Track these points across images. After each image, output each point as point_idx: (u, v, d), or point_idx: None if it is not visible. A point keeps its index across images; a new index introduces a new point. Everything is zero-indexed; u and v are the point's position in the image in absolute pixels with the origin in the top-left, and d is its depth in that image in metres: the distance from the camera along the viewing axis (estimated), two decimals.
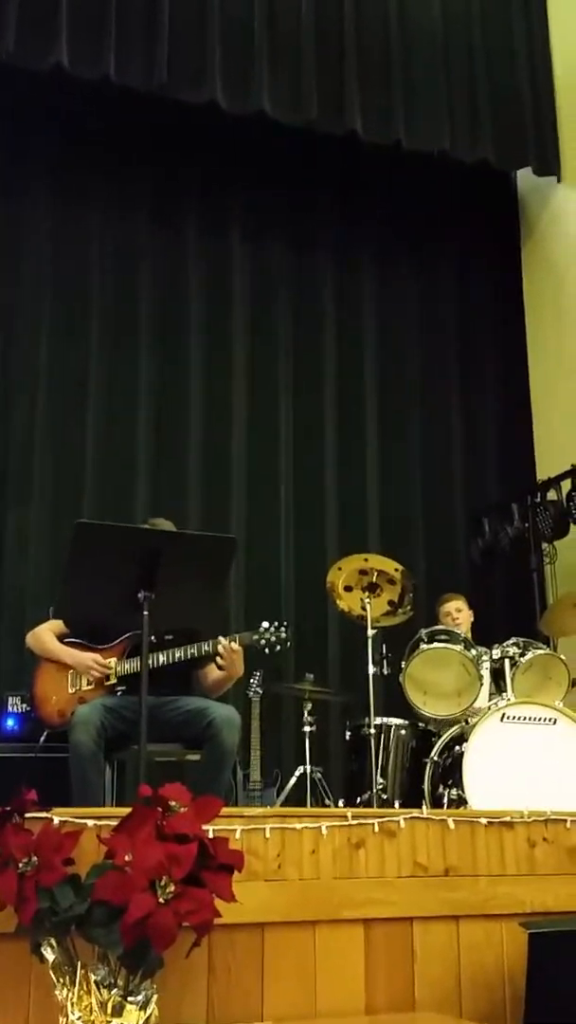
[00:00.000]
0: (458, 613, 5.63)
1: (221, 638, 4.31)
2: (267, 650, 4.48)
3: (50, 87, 6.51)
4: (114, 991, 2.40)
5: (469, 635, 5.35)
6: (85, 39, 6.12)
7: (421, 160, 7.27)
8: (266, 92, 6.57)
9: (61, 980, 2.44)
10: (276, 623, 4.50)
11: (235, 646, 4.30)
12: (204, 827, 2.52)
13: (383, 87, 6.97)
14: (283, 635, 4.48)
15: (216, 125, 6.92)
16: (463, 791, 4.40)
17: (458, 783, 4.47)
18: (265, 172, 7.35)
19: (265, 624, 4.50)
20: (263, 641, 4.47)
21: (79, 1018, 2.39)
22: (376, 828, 3.06)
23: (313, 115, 6.68)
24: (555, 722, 4.57)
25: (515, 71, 7.48)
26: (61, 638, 4.45)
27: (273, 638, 4.47)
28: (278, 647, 4.49)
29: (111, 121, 6.95)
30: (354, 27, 6.94)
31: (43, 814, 2.68)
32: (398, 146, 6.95)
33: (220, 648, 4.28)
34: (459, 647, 5.02)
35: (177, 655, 4.28)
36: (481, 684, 4.95)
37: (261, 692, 5.93)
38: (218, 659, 4.34)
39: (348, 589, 5.39)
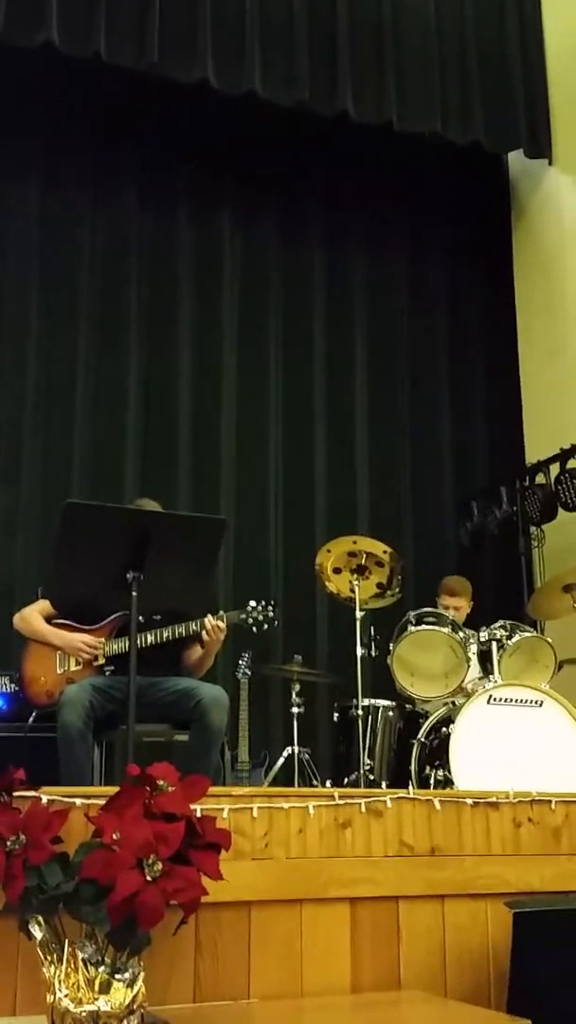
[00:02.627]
0: (456, 611, 5.55)
1: (208, 616, 4.32)
2: (254, 628, 4.51)
3: (40, 67, 6.46)
4: (101, 968, 2.41)
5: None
6: (76, 17, 6.07)
7: (412, 142, 7.25)
8: (258, 72, 6.53)
9: (48, 958, 2.45)
10: (263, 602, 4.53)
11: (221, 624, 4.32)
12: (192, 806, 2.53)
13: (375, 68, 6.94)
14: (270, 614, 4.50)
15: (207, 107, 6.89)
16: (449, 772, 4.43)
17: (445, 764, 4.50)
18: (255, 154, 7.32)
19: (252, 603, 4.52)
20: (250, 620, 4.49)
21: (66, 995, 2.40)
22: (363, 808, 3.07)
23: (305, 95, 6.65)
24: (541, 704, 4.59)
25: (507, 53, 7.46)
26: (49, 619, 4.45)
27: (260, 616, 4.49)
28: (265, 625, 4.52)
29: (100, 103, 6.91)
30: (347, 7, 6.91)
31: (31, 792, 2.69)
32: (390, 127, 6.93)
33: (207, 625, 4.30)
34: (447, 629, 5.03)
35: (165, 635, 4.29)
36: (468, 666, 4.97)
37: (249, 673, 5.94)
38: (204, 635, 4.35)
39: (337, 571, 5.40)
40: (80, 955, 2.42)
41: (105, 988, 2.40)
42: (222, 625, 4.33)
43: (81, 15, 6.09)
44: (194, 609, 4.31)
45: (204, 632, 4.33)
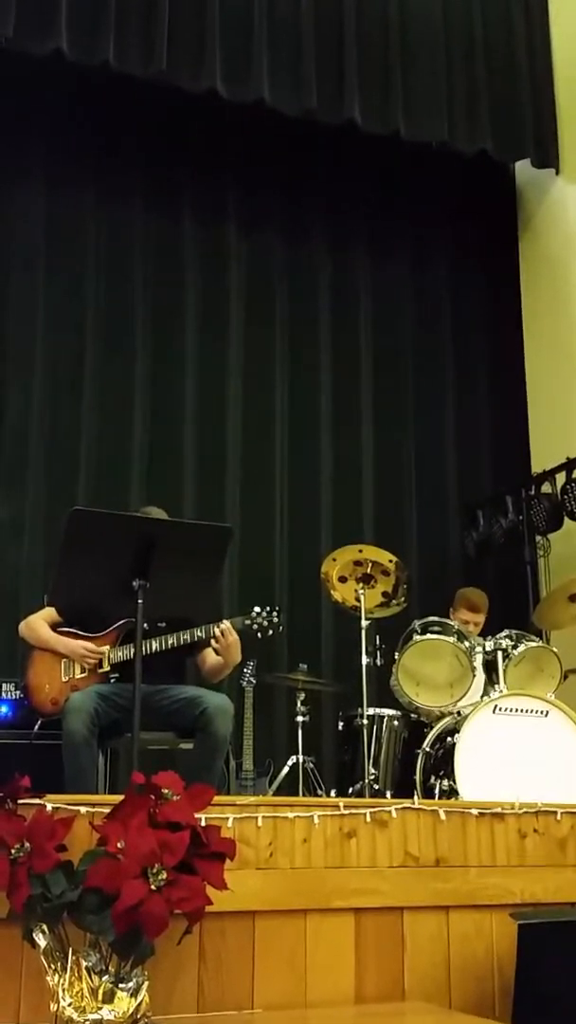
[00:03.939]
0: (475, 627, 5.53)
1: (217, 624, 4.31)
2: (259, 634, 4.49)
3: (45, 70, 6.47)
4: (105, 977, 2.41)
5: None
6: (85, 25, 6.08)
7: (419, 149, 7.26)
8: (266, 80, 6.54)
9: (52, 966, 2.45)
10: (268, 608, 4.52)
11: (231, 632, 4.30)
12: (197, 815, 2.53)
13: (383, 76, 6.95)
14: (275, 619, 4.49)
15: (213, 114, 6.90)
16: (455, 782, 4.42)
17: (450, 774, 4.49)
18: (261, 162, 7.33)
19: (257, 609, 4.51)
20: (255, 626, 4.48)
21: (70, 1004, 2.40)
22: (368, 818, 3.07)
23: (312, 104, 6.65)
24: (547, 714, 4.58)
25: (515, 62, 7.46)
26: (55, 626, 4.45)
27: (265, 623, 4.48)
28: (270, 631, 4.51)
29: (105, 106, 6.91)
30: (354, 16, 6.91)
31: (36, 800, 2.69)
32: (397, 135, 6.94)
33: (216, 632, 4.28)
34: (452, 639, 5.02)
35: (170, 642, 4.28)
36: (474, 676, 4.96)
37: (254, 682, 5.93)
38: (213, 643, 4.34)
39: (342, 580, 5.40)
40: (84, 964, 2.42)
41: (109, 997, 2.40)
42: (232, 633, 4.31)
43: (90, 24, 6.10)
44: (200, 617, 4.30)
45: (214, 640, 4.32)
